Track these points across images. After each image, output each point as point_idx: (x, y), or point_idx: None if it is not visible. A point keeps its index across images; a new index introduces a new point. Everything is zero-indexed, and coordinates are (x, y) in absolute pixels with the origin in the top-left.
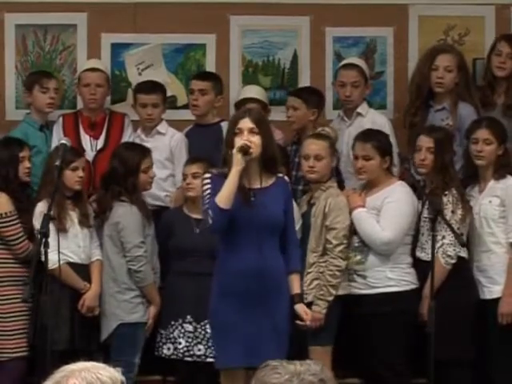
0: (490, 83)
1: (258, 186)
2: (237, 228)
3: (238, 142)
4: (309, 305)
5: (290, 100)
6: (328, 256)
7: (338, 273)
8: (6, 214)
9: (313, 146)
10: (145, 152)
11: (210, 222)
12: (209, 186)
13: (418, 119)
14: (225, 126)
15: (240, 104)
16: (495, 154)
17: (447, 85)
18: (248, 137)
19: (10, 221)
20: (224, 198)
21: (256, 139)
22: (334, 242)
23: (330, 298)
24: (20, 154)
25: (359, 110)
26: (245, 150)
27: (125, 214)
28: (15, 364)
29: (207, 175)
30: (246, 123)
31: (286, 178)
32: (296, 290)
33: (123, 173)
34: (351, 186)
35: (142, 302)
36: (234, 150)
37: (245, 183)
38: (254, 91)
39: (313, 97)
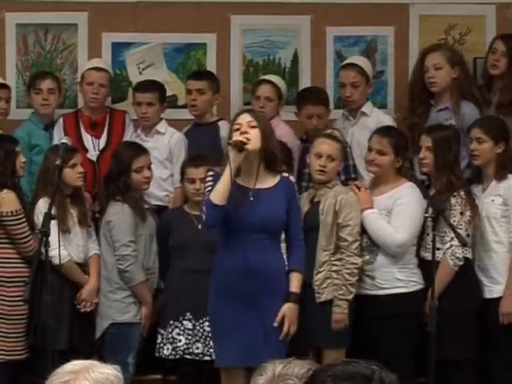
0: (487, 82)
1: (260, 186)
2: (235, 227)
3: (234, 137)
4: (322, 304)
5: (315, 109)
6: (344, 254)
7: (355, 270)
8: (16, 211)
9: (324, 146)
10: (138, 151)
11: (204, 217)
12: (211, 183)
13: (415, 120)
14: (222, 125)
15: (255, 87)
16: (492, 153)
17: (440, 82)
18: (246, 129)
19: (19, 219)
20: (218, 193)
21: (254, 132)
22: (350, 238)
23: (350, 297)
24: (16, 148)
25: (364, 109)
26: (239, 146)
27: (116, 213)
28: (9, 366)
29: (210, 173)
30: (245, 118)
31: (292, 177)
32: (293, 288)
33: (116, 172)
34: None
35: (134, 301)
36: (229, 147)
37: (245, 183)
38: (271, 76)
39: (325, 95)
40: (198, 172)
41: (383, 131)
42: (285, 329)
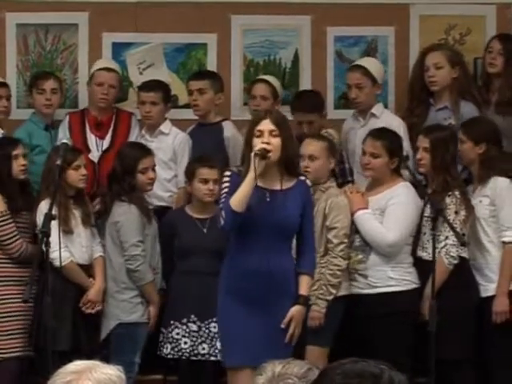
0: (485, 82)
1: (276, 188)
2: (248, 228)
3: (257, 144)
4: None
5: (305, 117)
6: (329, 255)
7: (338, 272)
8: (1, 212)
9: (308, 147)
10: (143, 152)
11: (222, 222)
12: (227, 184)
13: (414, 120)
14: (226, 125)
15: (250, 87)
16: (473, 154)
17: (441, 82)
18: (269, 139)
19: (4, 220)
20: (238, 201)
21: (276, 141)
22: (335, 241)
23: (330, 298)
24: (13, 151)
25: (373, 110)
26: (263, 155)
27: (123, 213)
28: (10, 364)
29: (228, 173)
30: (267, 125)
31: (308, 181)
32: (303, 291)
33: (121, 172)
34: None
35: (141, 301)
36: (252, 154)
37: (262, 183)
38: (266, 76)
39: (320, 102)
40: (212, 173)
41: (375, 134)
42: (290, 331)
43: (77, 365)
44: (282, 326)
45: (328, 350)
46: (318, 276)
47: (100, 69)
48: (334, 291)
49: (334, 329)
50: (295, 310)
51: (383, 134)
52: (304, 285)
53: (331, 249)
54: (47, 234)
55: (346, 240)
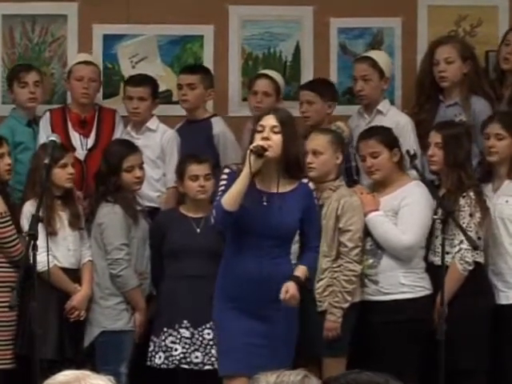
0: (499, 76)
1: (275, 191)
2: (245, 232)
3: (257, 140)
4: (323, 313)
5: (304, 94)
6: (343, 260)
7: (354, 278)
8: (1, 214)
9: (312, 141)
10: (128, 150)
11: (213, 221)
12: (225, 182)
13: (423, 116)
14: (215, 121)
15: (252, 82)
16: (510, 151)
17: (451, 77)
18: (269, 135)
19: (5, 221)
20: (230, 199)
21: (276, 138)
22: (350, 244)
23: (346, 305)
24: None
25: (380, 107)
26: (259, 152)
27: (107, 214)
28: None
29: (226, 170)
30: (270, 120)
31: (311, 184)
32: (297, 273)
33: (106, 172)
34: (365, 185)
35: (126, 308)
36: (248, 151)
37: (260, 186)
38: (269, 71)
39: (327, 88)
40: (201, 168)
41: (365, 134)
42: (282, 292)
43: (66, 375)
44: (281, 296)
45: (345, 359)
46: (329, 281)
47: (78, 63)
48: (349, 298)
49: (347, 336)
50: (286, 285)
51: (373, 131)
52: (300, 270)
53: (345, 253)
54: (35, 237)
55: (360, 244)
